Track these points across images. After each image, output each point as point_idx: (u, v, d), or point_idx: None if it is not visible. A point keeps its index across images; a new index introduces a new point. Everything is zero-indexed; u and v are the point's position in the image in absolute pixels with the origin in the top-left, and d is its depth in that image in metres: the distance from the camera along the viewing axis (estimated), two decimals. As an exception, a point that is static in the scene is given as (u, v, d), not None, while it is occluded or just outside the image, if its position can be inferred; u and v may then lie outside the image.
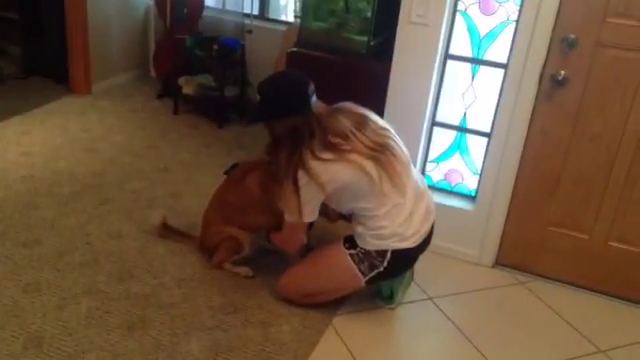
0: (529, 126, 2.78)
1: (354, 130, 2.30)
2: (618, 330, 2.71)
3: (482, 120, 2.96)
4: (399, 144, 2.43)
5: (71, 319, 2.38)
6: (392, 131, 2.45)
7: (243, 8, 4.93)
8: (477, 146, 3.02)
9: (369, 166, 2.27)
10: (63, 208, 3.17)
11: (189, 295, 2.60)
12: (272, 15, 5.19)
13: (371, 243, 2.40)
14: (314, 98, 2.34)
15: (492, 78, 2.88)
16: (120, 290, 2.58)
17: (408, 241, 2.40)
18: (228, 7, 4.99)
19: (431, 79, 2.87)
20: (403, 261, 2.48)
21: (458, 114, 3.01)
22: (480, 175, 3.01)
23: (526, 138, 2.80)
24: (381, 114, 2.99)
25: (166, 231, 2.96)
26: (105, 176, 3.58)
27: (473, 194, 3.08)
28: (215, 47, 4.43)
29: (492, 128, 2.88)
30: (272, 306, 2.60)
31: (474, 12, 2.81)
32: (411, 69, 2.88)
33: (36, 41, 5.00)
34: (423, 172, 3.15)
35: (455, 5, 2.80)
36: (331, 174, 2.25)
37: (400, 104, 2.95)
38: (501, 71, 2.82)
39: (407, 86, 2.92)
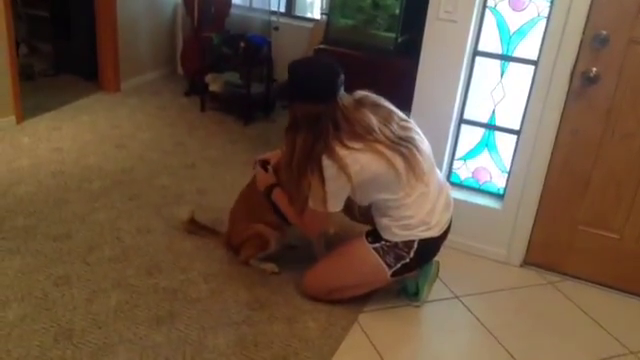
0: (559, 124, 2.74)
1: (380, 124, 2.29)
2: (649, 332, 2.67)
3: (511, 117, 2.92)
4: (422, 137, 2.43)
5: (101, 312, 2.42)
6: (414, 124, 2.44)
7: (270, 5, 4.95)
8: (506, 144, 2.98)
9: (396, 159, 2.27)
10: (93, 203, 3.22)
11: (216, 290, 2.62)
12: (299, 12, 5.20)
13: (398, 234, 2.39)
14: (342, 89, 2.31)
15: (522, 75, 2.84)
16: (149, 284, 2.61)
17: (433, 230, 2.40)
18: (255, 5, 5.02)
19: (459, 76, 2.85)
20: (428, 251, 2.48)
21: (487, 111, 2.98)
22: (509, 173, 2.97)
23: (556, 136, 2.76)
24: (408, 111, 2.98)
25: (193, 226, 2.99)
26: (134, 172, 3.63)
27: (501, 192, 3.04)
28: (242, 45, 4.45)
29: (521, 126, 2.85)
30: (298, 302, 2.60)
31: (504, 8, 2.78)
32: (439, 66, 2.86)
33: (66, 39, 5.09)
34: (450, 169, 3.13)
35: (485, 1, 2.77)
36: (361, 164, 2.23)
37: (428, 101, 2.93)
38: (531, 68, 2.79)
39: (435, 83, 2.90)
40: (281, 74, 4.85)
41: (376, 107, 2.37)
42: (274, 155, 2.68)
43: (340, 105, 2.27)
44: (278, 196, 2.55)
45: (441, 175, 2.62)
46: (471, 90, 2.95)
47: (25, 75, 4.74)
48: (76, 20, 4.98)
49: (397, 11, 3.19)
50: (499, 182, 3.06)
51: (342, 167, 2.21)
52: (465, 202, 2.99)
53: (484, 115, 2.99)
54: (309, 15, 5.20)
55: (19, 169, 3.52)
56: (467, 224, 2.93)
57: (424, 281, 2.63)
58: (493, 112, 2.96)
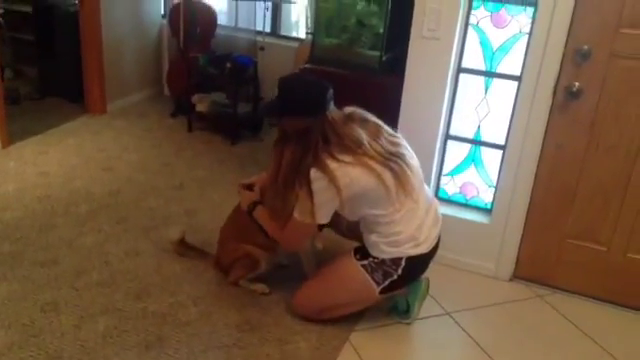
0: (544, 138, 2.76)
1: (369, 139, 2.30)
2: (639, 343, 2.67)
3: (496, 133, 2.95)
4: (411, 153, 2.44)
5: (89, 338, 2.39)
6: (402, 139, 2.46)
7: (255, 25, 4.98)
8: (492, 159, 3.01)
9: (385, 174, 2.27)
10: (80, 227, 3.20)
11: (205, 313, 2.60)
12: (284, 32, 5.23)
13: (386, 251, 2.38)
14: (332, 104, 2.32)
15: (505, 91, 2.87)
16: (137, 309, 2.59)
17: (422, 246, 2.40)
18: (240, 25, 5.04)
19: (444, 93, 2.87)
20: (417, 267, 2.47)
21: (472, 127, 3.00)
22: (495, 188, 2.99)
23: (541, 150, 2.78)
24: (394, 128, 2.99)
25: (183, 248, 2.97)
26: (121, 195, 3.61)
27: (489, 207, 3.06)
28: (228, 65, 4.47)
29: (506, 141, 2.87)
30: (289, 323, 2.59)
31: (486, 25, 2.82)
32: (424, 83, 2.89)
33: (51, 62, 5.08)
34: (438, 185, 3.14)
35: (467, 18, 2.80)
36: (351, 177, 2.23)
37: (414, 118, 2.95)
38: (515, 83, 2.82)
39: (420, 100, 2.92)
40: (267, 93, 4.87)
41: (365, 122, 2.38)
42: (259, 179, 2.69)
43: (329, 119, 2.29)
44: (260, 212, 2.55)
45: (429, 191, 2.63)
46: (456, 106, 2.98)
47: (10, 99, 4.72)
48: (61, 43, 4.98)
49: (381, 30, 3.22)
50: (486, 197, 3.08)
51: (332, 179, 2.21)
52: (453, 217, 3.00)
53: (470, 131, 3.01)
54: (294, 35, 5.23)
55: (5, 194, 3.49)
56: (456, 239, 2.93)
57: (414, 298, 2.63)
58: (478, 128, 2.99)
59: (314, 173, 2.23)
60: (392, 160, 2.31)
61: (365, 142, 2.27)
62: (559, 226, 2.88)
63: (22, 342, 2.34)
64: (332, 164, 2.22)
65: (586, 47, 2.58)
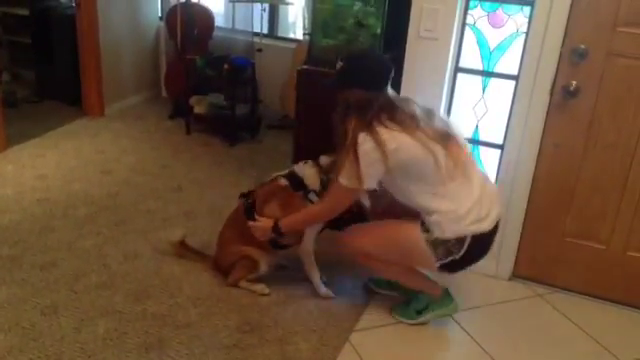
0: (542, 137, 2.77)
1: (424, 117, 2.34)
2: (639, 341, 2.68)
3: (494, 132, 2.95)
4: (462, 137, 2.45)
5: (89, 341, 2.39)
6: (454, 125, 2.46)
7: (253, 27, 4.98)
8: (490, 158, 3.00)
9: (437, 148, 2.27)
10: (79, 230, 3.20)
11: (205, 314, 2.60)
12: (281, 33, 5.24)
13: (449, 229, 2.33)
14: (389, 84, 2.38)
15: (503, 90, 2.87)
16: (137, 311, 2.59)
17: (484, 222, 2.35)
18: (238, 27, 5.05)
19: (442, 92, 2.88)
20: (479, 248, 2.42)
21: (470, 127, 3.00)
22: (494, 187, 2.99)
23: (539, 149, 2.79)
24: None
25: (183, 249, 2.97)
26: (120, 197, 3.61)
27: (487, 207, 3.06)
28: (225, 66, 4.47)
29: (504, 140, 2.87)
30: (289, 323, 2.59)
31: (483, 25, 2.82)
32: (422, 83, 2.89)
33: (49, 65, 5.08)
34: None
35: (464, 18, 2.81)
36: (398, 143, 2.23)
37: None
38: (512, 83, 2.82)
39: (418, 100, 2.91)
40: (265, 95, 4.88)
41: (418, 105, 2.41)
42: (259, 189, 2.73)
43: (389, 94, 2.36)
44: (288, 222, 2.55)
45: (483, 171, 2.61)
46: (454, 106, 2.98)
47: (8, 102, 4.71)
48: (58, 46, 4.98)
49: (378, 30, 3.23)
50: (485, 196, 3.07)
51: (379, 143, 2.21)
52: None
53: (467, 130, 3.01)
54: (292, 36, 5.23)
55: (3, 197, 3.48)
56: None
57: (437, 307, 2.63)
58: (476, 127, 2.99)
59: (362, 137, 2.24)
60: (445, 138, 2.32)
61: (419, 118, 2.31)
62: (558, 225, 2.89)
63: (22, 345, 2.33)
64: (382, 130, 2.24)
65: (583, 46, 2.59)
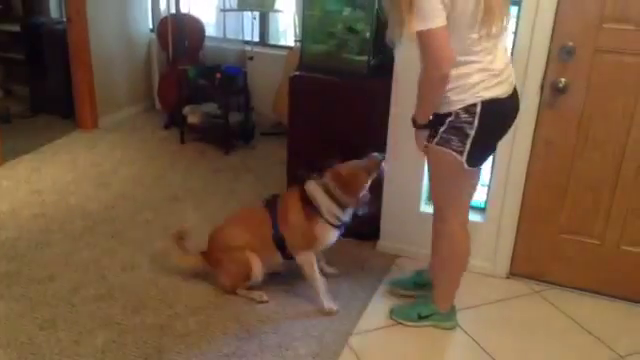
0: (533, 135, 2.78)
1: None
2: (636, 334, 2.69)
3: (486, 132, 2.96)
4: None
5: (88, 354, 2.39)
6: None
7: (243, 36, 5.00)
8: (483, 158, 3.02)
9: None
10: (76, 243, 3.20)
11: (204, 323, 2.61)
12: (272, 41, 5.25)
13: (458, 98, 2.20)
14: None
15: (493, 90, 2.88)
16: (135, 322, 2.59)
17: (498, 87, 2.21)
18: (228, 36, 5.06)
19: (433, 94, 2.88)
20: (495, 117, 2.25)
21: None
22: (488, 186, 3.00)
23: (531, 147, 2.81)
24: (385, 130, 3.02)
25: (179, 241, 2.91)
26: (116, 209, 3.61)
27: (482, 206, 3.07)
28: (217, 76, 4.49)
29: (497, 139, 2.88)
30: (287, 329, 2.59)
31: (471, 26, 2.83)
32: (412, 85, 2.88)
33: (41, 79, 5.09)
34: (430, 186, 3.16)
35: (452, 20, 2.82)
36: None
37: (403, 121, 2.95)
38: (502, 82, 2.83)
39: (409, 103, 2.91)
40: (258, 102, 4.89)
41: None
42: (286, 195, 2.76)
43: None
44: (416, 112, 2.38)
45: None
46: (445, 107, 2.99)
47: (2, 118, 4.73)
48: (51, 61, 4.99)
49: (368, 35, 3.24)
50: (480, 196, 3.08)
51: None
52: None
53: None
54: (283, 43, 5.25)
55: (-1, 214, 3.49)
56: (451, 240, 2.94)
57: (439, 320, 2.64)
58: (468, 127, 3.00)
59: None
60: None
61: None
62: (552, 222, 2.90)
63: (21, 360, 2.34)
64: None
65: (570, 44, 2.61)
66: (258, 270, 2.73)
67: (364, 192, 2.68)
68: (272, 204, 2.77)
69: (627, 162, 2.70)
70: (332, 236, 2.70)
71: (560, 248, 2.93)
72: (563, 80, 2.65)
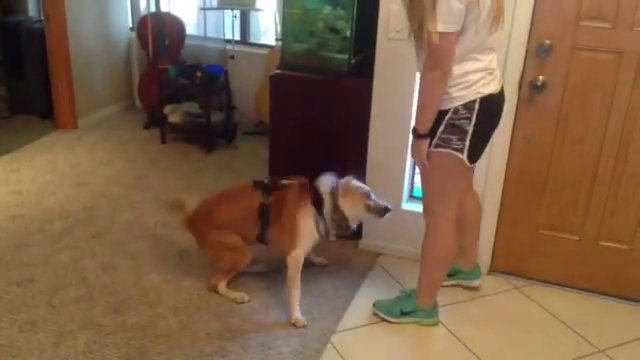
0: (512, 132, 2.81)
1: None
2: (615, 328, 2.72)
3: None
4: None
5: (69, 355, 2.37)
6: None
7: (224, 34, 4.98)
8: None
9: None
10: (55, 244, 3.17)
11: (186, 323, 2.60)
12: (253, 39, 5.24)
13: (458, 95, 2.25)
14: None
15: (473, 88, 2.91)
16: (116, 323, 2.57)
17: (493, 83, 2.30)
18: (209, 34, 5.04)
19: (413, 92, 2.90)
20: (490, 112, 2.33)
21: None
22: (468, 184, 3.03)
23: (510, 144, 2.83)
24: (367, 128, 3.03)
25: (179, 204, 2.93)
26: (96, 209, 3.58)
27: (463, 203, 3.09)
28: (198, 75, 4.46)
29: (476, 137, 2.91)
30: (269, 328, 2.60)
31: (450, 24, 2.85)
32: (393, 84, 2.92)
33: (20, 79, 5.02)
34: (412, 183, 3.18)
35: (431, 19, 2.83)
36: None
37: (384, 118, 2.98)
38: (481, 80, 2.85)
39: (390, 101, 2.95)
40: (240, 101, 4.88)
41: None
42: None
43: None
44: (416, 119, 2.39)
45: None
46: (426, 105, 3.00)
47: (-21, 119, 4.66)
48: (29, 60, 4.93)
49: (348, 33, 3.25)
50: (460, 193, 3.11)
51: None
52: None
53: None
54: (264, 41, 5.24)
55: (-23, 215, 3.45)
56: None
57: (422, 317, 2.66)
58: (448, 125, 3.02)
59: None
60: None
61: None
62: (532, 218, 2.93)
63: (0, 363, 2.31)
64: None
65: (548, 42, 2.64)
66: (247, 256, 2.74)
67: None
68: (265, 191, 2.73)
69: (605, 158, 2.73)
70: (314, 233, 2.70)
71: (539, 244, 2.96)
72: (541, 78, 2.68)
